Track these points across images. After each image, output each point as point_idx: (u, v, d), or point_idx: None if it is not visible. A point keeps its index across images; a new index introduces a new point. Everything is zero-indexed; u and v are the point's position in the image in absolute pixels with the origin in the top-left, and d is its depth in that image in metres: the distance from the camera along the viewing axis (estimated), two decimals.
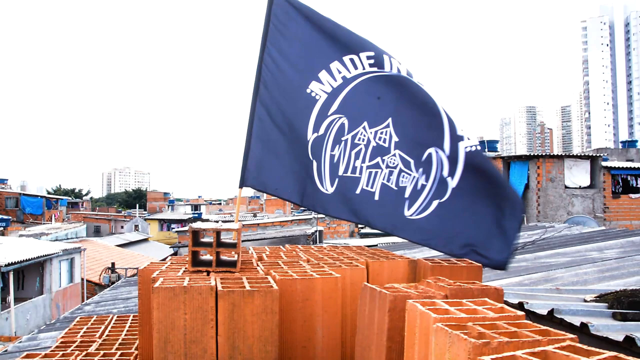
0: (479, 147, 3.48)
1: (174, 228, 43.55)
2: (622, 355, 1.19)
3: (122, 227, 47.88)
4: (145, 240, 39.98)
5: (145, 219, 52.08)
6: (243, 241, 14.62)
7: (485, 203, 3.48)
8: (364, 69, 3.68)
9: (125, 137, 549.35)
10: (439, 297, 2.10)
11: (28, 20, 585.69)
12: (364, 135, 3.62)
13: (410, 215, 3.53)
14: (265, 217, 27.53)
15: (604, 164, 20.52)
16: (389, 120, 3.60)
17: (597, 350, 1.25)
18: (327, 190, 3.68)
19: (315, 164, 3.71)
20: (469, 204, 3.48)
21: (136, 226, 46.75)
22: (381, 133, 3.60)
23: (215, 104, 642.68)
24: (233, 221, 3.68)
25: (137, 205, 65.41)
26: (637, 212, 20.58)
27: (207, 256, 3.00)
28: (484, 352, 1.33)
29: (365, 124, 3.63)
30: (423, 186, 3.51)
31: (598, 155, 21.02)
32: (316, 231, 17.68)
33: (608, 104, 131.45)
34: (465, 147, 3.46)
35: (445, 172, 3.48)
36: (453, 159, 3.48)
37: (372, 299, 2.24)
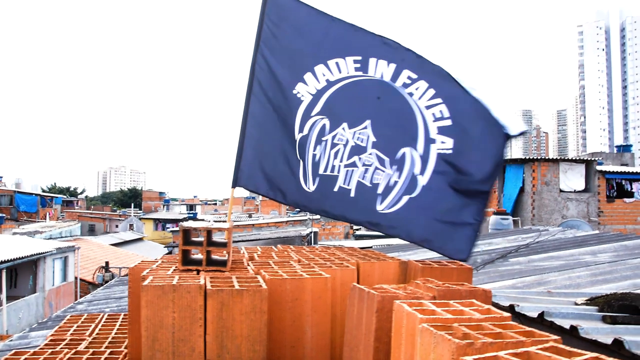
0: (451, 152, 3.57)
1: (168, 228, 43.44)
2: (603, 357, 1.20)
3: (116, 226, 47.68)
4: (140, 239, 39.87)
5: (140, 219, 51.89)
6: (238, 241, 14.60)
7: (449, 202, 3.59)
8: (348, 72, 3.81)
9: (121, 136, 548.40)
10: (427, 298, 2.10)
11: (25, 19, 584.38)
12: (343, 136, 3.79)
13: (382, 210, 3.70)
14: (260, 218, 27.48)
15: (598, 168, 20.59)
16: (368, 122, 3.74)
17: (579, 351, 1.26)
18: (309, 188, 3.87)
19: (301, 163, 3.88)
20: (434, 201, 3.61)
21: (131, 225, 46.59)
22: (360, 134, 3.75)
23: (211, 104, 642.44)
24: (226, 221, 3.69)
25: (132, 205, 65.26)
26: (631, 216, 20.66)
27: (198, 255, 3.00)
28: (468, 352, 1.33)
29: (344, 125, 3.79)
30: (395, 182, 3.67)
31: (593, 159, 21.11)
32: (311, 232, 17.68)
33: (603, 108, 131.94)
34: (438, 149, 3.58)
35: (417, 170, 3.62)
36: (425, 158, 3.62)
37: (361, 299, 2.24)
